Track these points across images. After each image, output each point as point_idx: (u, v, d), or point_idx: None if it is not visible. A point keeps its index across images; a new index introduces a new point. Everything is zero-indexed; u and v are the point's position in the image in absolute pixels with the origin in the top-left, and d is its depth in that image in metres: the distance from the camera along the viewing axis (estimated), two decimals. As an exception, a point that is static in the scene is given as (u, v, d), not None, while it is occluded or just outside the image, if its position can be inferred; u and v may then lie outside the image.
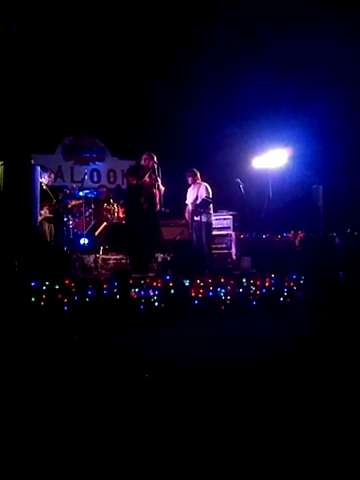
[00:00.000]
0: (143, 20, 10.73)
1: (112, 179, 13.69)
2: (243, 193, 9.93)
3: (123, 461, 2.71)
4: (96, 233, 9.66)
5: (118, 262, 9.21)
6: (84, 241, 9.27)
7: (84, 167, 12.83)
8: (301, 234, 10.89)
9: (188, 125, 11.65)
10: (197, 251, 8.91)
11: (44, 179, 8.24)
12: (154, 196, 8.24)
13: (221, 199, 9.82)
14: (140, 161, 8.45)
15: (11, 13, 9.66)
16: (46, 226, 8.35)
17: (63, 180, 12.95)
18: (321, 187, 10.50)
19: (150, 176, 8.23)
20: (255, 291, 8.11)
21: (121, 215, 9.94)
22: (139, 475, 2.57)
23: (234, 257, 10.00)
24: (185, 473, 2.58)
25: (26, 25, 9.97)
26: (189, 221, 9.38)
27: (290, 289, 8.43)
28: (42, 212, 8.01)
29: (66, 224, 8.97)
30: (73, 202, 9.10)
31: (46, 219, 8.30)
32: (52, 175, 8.88)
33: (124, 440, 2.98)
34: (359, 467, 2.60)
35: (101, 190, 10.73)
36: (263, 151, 10.64)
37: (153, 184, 8.24)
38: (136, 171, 8.38)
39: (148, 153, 8.36)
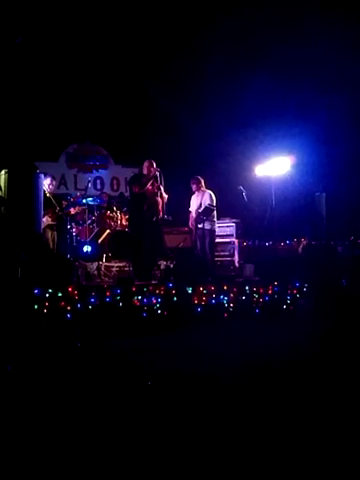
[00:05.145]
0: (146, 28, 10.79)
1: (115, 187, 13.75)
2: (246, 201, 9.93)
3: (126, 465, 2.71)
4: (99, 241, 9.66)
5: (121, 269, 9.21)
6: (87, 248, 9.27)
7: (87, 175, 12.89)
8: (304, 242, 10.89)
9: (191, 133, 11.69)
10: (200, 258, 8.91)
11: (45, 186, 8.25)
12: (157, 204, 8.25)
13: (224, 207, 9.81)
14: (142, 170, 8.48)
15: (15, 24, 9.74)
16: (49, 233, 8.35)
17: (66, 188, 13.02)
18: (324, 195, 10.50)
19: (153, 184, 8.24)
20: (258, 299, 8.09)
21: (124, 222, 9.95)
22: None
23: (237, 265, 9.99)
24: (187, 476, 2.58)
25: (30, 35, 10.04)
26: (193, 228, 9.37)
27: (293, 297, 8.42)
28: (44, 219, 8.02)
29: (69, 231, 8.97)
30: (76, 209, 9.10)
31: (49, 226, 8.30)
32: (54, 181, 8.89)
33: (126, 446, 2.98)
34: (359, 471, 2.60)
35: (103, 197, 10.75)
36: (266, 159, 10.66)
37: (156, 192, 8.25)
38: (139, 180, 8.41)
39: (149, 161, 8.38)
